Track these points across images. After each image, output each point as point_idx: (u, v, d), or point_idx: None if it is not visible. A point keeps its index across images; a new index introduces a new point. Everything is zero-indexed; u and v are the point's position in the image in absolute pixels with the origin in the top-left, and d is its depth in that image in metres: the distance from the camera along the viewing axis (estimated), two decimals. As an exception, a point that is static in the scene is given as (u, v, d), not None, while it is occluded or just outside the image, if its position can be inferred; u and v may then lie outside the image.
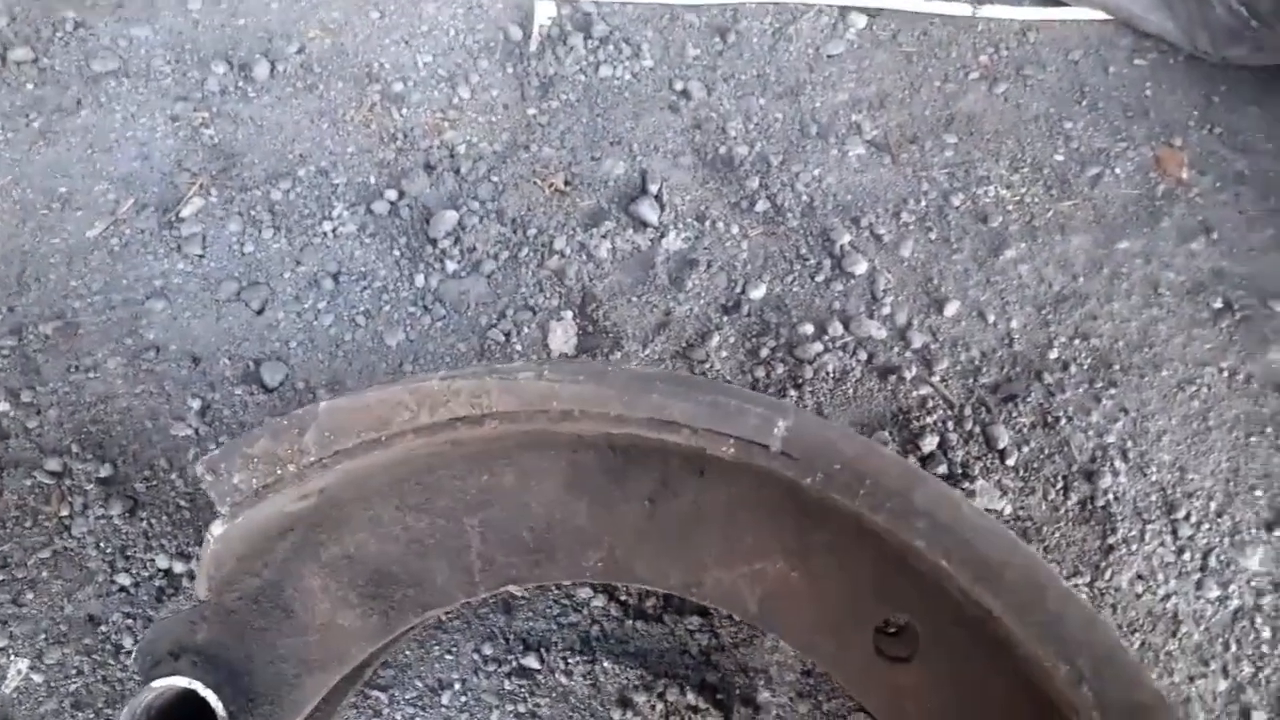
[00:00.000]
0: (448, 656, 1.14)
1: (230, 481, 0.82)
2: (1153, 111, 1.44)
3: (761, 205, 1.37)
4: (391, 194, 1.37)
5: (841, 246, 1.33)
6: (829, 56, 1.49)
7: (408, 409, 0.81)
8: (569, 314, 1.30)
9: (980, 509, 0.84)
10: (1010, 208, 1.36)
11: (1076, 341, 1.27)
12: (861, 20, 1.50)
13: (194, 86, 1.47)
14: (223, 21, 1.52)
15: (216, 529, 0.83)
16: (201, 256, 1.34)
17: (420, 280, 1.32)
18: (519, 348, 1.29)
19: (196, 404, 1.25)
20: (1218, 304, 1.29)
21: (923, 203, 1.37)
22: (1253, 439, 1.20)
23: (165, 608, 1.16)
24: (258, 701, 0.96)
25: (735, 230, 1.35)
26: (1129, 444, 1.21)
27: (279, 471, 0.82)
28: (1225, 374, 1.24)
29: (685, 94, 1.45)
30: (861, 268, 1.31)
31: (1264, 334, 1.27)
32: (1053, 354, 1.26)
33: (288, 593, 0.93)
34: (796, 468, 0.77)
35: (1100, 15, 1.49)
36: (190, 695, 0.90)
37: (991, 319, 1.28)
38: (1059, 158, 1.40)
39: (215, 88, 1.46)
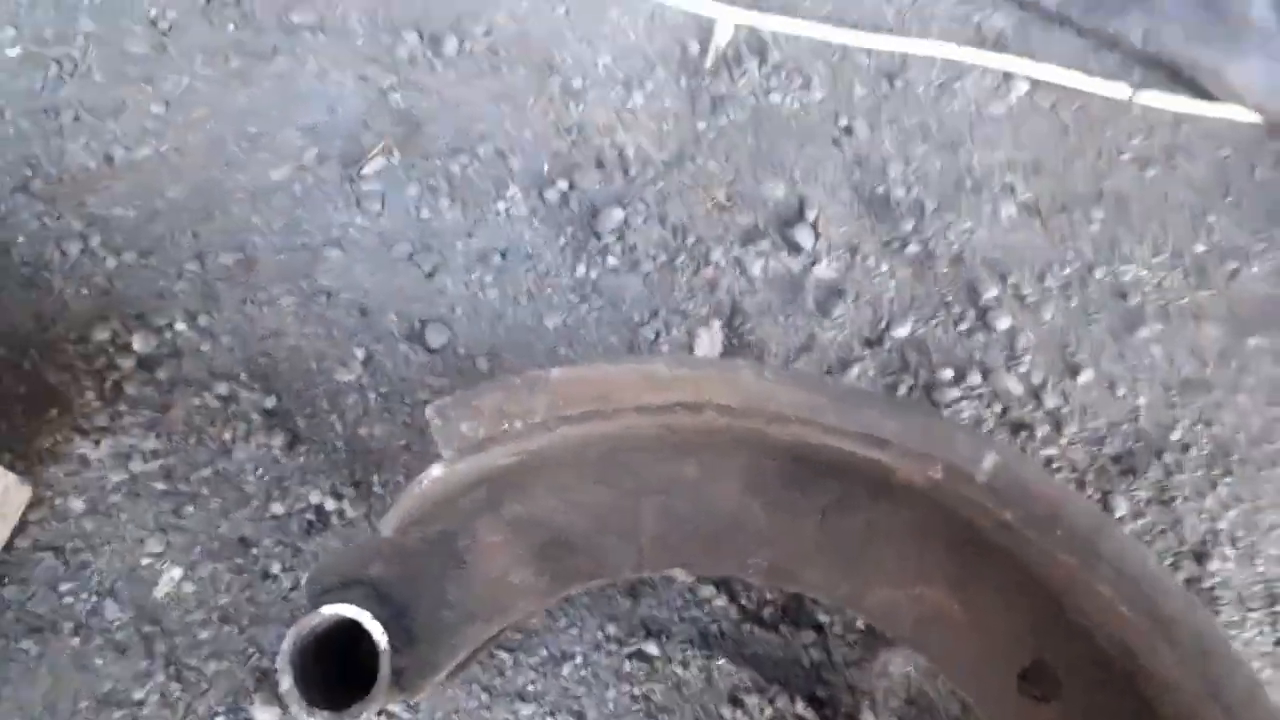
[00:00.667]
0: (573, 630, 1.19)
1: (457, 428, 0.88)
2: (1297, 217, 1.49)
3: (913, 248, 1.42)
4: (563, 184, 1.44)
5: (987, 300, 1.39)
6: (990, 117, 1.55)
7: (634, 387, 0.87)
8: (717, 323, 1.36)
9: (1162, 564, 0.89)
10: (1148, 289, 1.42)
11: (1199, 426, 1.32)
12: (1024, 87, 1.56)
13: (384, 51, 1.53)
14: (416, -7, 1.59)
15: (436, 470, 0.89)
16: (379, 214, 1.40)
17: (581, 270, 1.38)
18: (665, 348, 1.35)
19: (361, 353, 1.31)
20: (1346, 412, 1.34)
21: (1067, 270, 1.42)
22: (1362, 545, 1.25)
23: (313, 541, 1.22)
24: (416, 642, 1.01)
25: (885, 268, 1.41)
26: (1240, 532, 1.26)
27: (504, 426, 0.88)
28: (1340, 479, 1.29)
29: (849, 130, 1.51)
30: (1004, 323, 1.36)
31: (1382, 447, 1.31)
32: (1175, 435, 1.31)
33: (465, 542, 0.99)
34: (996, 499, 0.82)
35: (1253, 118, 1.54)
36: (354, 625, 0.95)
37: (1121, 392, 1.34)
38: (1200, 248, 1.45)
39: (405, 55, 1.53)
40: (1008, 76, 1.58)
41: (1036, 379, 1.33)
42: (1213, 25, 1.54)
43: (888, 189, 1.47)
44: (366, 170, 1.43)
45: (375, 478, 1.25)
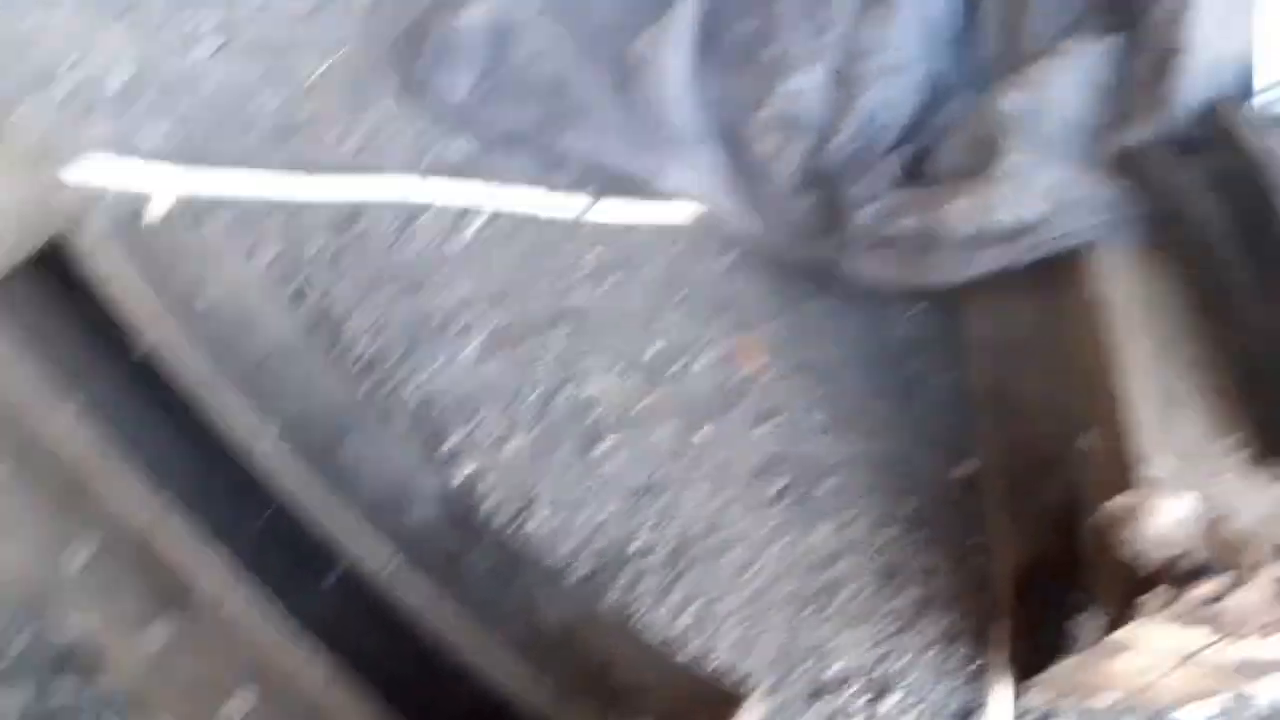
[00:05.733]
0: None
1: None
2: (737, 304, 1.62)
3: (373, 409, 1.43)
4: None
5: (449, 449, 1.42)
6: (451, 252, 1.59)
7: None
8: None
9: None
10: (608, 402, 1.50)
11: (658, 530, 1.41)
12: (483, 217, 1.62)
13: None
14: None
15: None
16: None
17: None
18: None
19: None
20: (780, 484, 1.47)
21: (531, 398, 1.49)
22: (804, 613, 1.37)
23: None
24: None
25: (347, 432, 1.41)
26: (698, 627, 1.35)
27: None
28: (782, 552, 1.41)
29: (300, 294, 1.50)
30: (468, 468, 1.40)
31: (816, 510, 1.45)
32: (636, 543, 1.40)
33: None
34: None
35: (695, 215, 1.68)
36: None
37: (584, 515, 1.41)
38: (654, 350, 1.55)
39: None
40: (463, 211, 1.63)
41: (499, 521, 1.37)
42: (647, 135, 1.66)
43: (343, 350, 1.47)
44: None
45: None
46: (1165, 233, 1.13)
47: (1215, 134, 1.11)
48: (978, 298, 1.51)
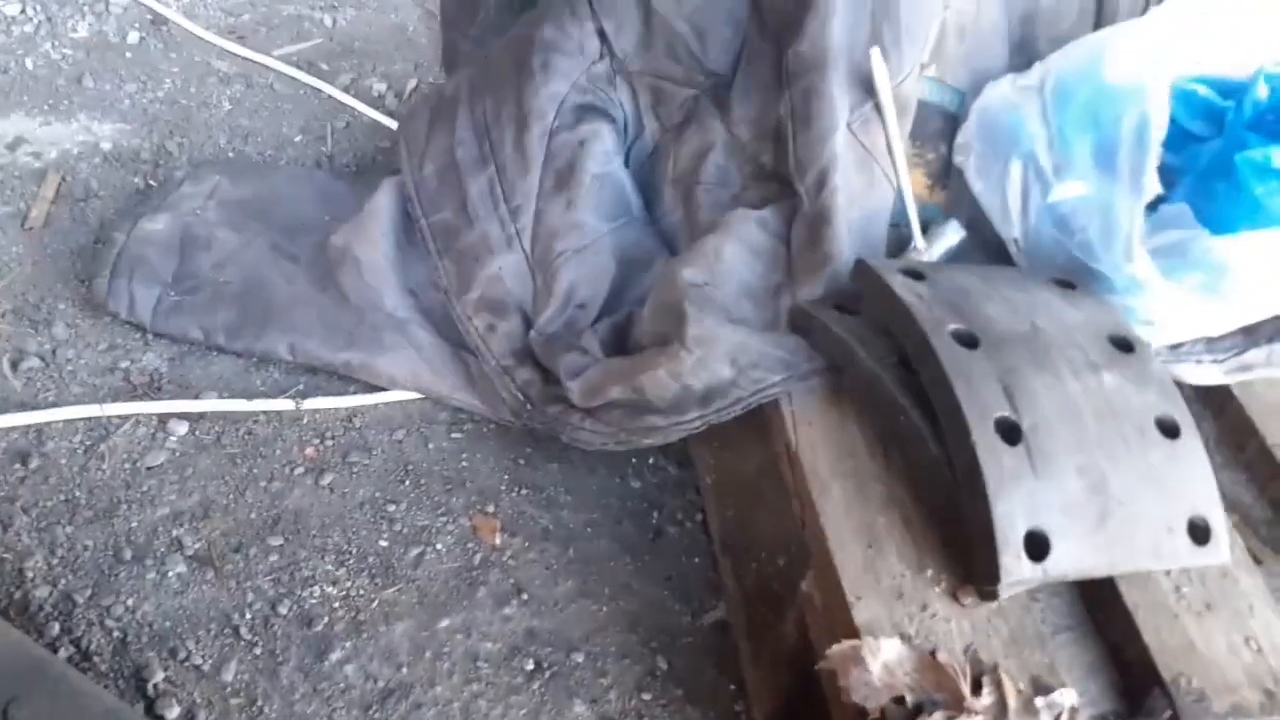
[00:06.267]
0: None
1: None
2: (470, 481, 1.60)
3: (64, 652, 1.27)
4: None
5: (155, 686, 1.27)
6: (148, 469, 1.47)
7: None
8: None
9: None
10: (336, 605, 1.41)
11: (403, 736, 1.32)
12: (183, 427, 1.52)
13: None
14: None
15: None
16: None
17: None
18: None
19: None
20: (530, 665, 1.42)
21: (248, 615, 1.37)
22: (563, 803, 1.31)
23: None
24: None
25: (29, 692, 1.24)
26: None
27: None
28: (538, 739, 1.36)
29: (-31, 540, 1.34)
30: (174, 712, 1.26)
31: (569, 687, 1.41)
32: (379, 758, 1.30)
33: None
34: None
35: (418, 398, 1.65)
36: None
37: (318, 734, 1.30)
38: (383, 543, 1.49)
39: None
40: (164, 420, 1.52)
41: (216, 762, 1.24)
42: (354, 325, 1.62)
43: (26, 594, 1.31)
44: None
45: None
46: (843, 381, 1.21)
47: (867, 287, 1.23)
48: (703, 446, 1.57)
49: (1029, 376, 1.07)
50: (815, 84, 1.31)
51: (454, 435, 1.65)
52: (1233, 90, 1.42)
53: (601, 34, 1.55)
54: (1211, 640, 1.06)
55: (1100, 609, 1.13)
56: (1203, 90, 1.44)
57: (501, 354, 1.48)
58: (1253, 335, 1.40)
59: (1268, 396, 1.40)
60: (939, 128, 1.44)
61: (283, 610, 1.39)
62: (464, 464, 1.62)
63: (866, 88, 1.31)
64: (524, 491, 1.61)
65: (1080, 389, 1.08)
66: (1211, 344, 1.40)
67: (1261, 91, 1.38)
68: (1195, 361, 1.40)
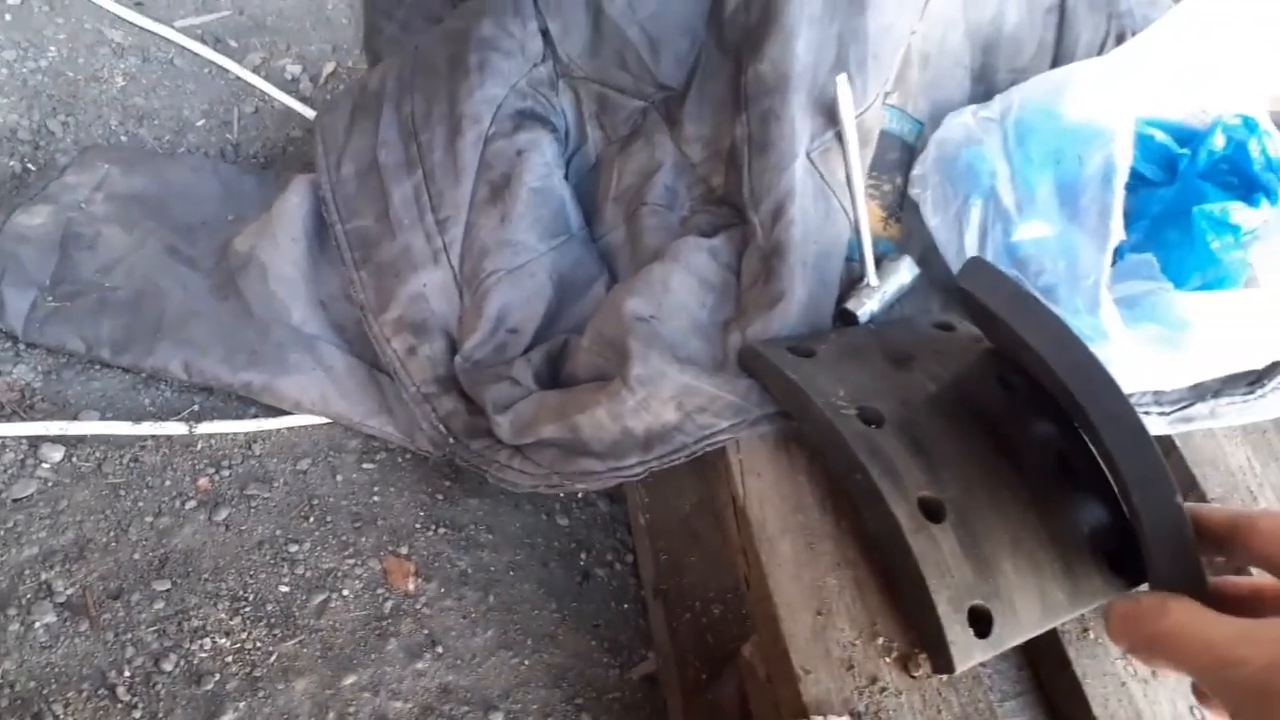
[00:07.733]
0: None
1: None
2: (381, 518, 1.47)
3: (-97, 722, 1.10)
4: None
5: (11, 760, 1.12)
6: (14, 501, 1.30)
7: None
8: None
9: None
10: (230, 659, 1.27)
11: (301, 812, 1.19)
12: (58, 453, 1.35)
13: None
14: None
15: None
16: None
17: None
18: None
19: None
20: (446, 726, 1.30)
21: (127, 673, 1.22)
22: None
23: None
24: None
25: None
26: None
27: None
28: (452, 810, 1.24)
29: None
30: (35, 787, 1.10)
31: (488, 750, 1.30)
32: (273, 837, 1.16)
33: None
34: None
35: (326, 423, 1.51)
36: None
37: (201, 812, 1.15)
38: (284, 588, 1.35)
39: None
40: (35, 444, 1.35)
41: None
42: (257, 341, 1.47)
43: None
44: None
45: None
46: (797, 428, 1.13)
47: (826, 329, 1.14)
48: (636, 483, 1.47)
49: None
50: (775, 107, 1.22)
51: (365, 466, 1.52)
52: (1188, 138, 1.40)
53: (545, 34, 1.43)
54: (1157, 708, 1.03)
55: (1050, 679, 1.09)
56: (1159, 135, 1.40)
57: (423, 380, 1.35)
58: (1198, 389, 1.37)
59: (1205, 449, 1.37)
60: (897, 158, 1.37)
61: (167, 666, 1.24)
62: (375, 499, 1.49)
63: (829, 115, 1.23)
64: (441, 530, 1.49)
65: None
66: (1159, 395, 1.37)
67: (1218, 142, 1.35)
68: (1144, 412, 1.37)
